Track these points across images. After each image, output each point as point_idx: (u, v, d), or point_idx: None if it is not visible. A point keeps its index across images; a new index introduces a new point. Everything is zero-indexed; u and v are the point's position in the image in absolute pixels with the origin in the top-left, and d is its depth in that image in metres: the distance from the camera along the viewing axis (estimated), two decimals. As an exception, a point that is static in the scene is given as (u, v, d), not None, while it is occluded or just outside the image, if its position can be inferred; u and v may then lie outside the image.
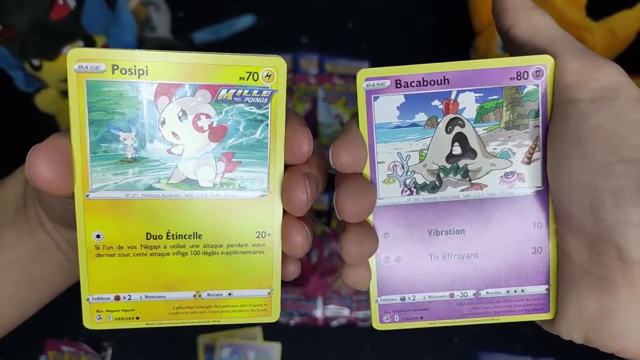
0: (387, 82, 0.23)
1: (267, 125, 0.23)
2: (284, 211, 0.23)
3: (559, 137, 0.23)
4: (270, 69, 0.22)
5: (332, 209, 0.52)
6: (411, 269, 0.25)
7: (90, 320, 0.23)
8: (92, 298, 0.23)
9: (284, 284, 0.49)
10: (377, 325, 0.25)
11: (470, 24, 0.50)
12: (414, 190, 0.24)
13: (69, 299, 0.34)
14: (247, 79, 0.22)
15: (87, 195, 0.22)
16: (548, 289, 0.25)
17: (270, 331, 0.50)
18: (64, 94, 0.48)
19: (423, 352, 0.50)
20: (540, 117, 0.24)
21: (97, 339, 0.49)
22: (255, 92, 0.22)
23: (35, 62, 0.44)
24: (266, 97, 0.22)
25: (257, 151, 0.23)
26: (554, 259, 0.25)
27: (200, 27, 0.54)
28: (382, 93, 0.23)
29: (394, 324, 0.25)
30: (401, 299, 0.25)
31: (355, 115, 0.24)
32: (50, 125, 0.50)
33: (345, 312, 0.49)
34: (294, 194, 0.22)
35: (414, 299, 0.25)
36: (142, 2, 0.51)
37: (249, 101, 0.22)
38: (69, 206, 0.23)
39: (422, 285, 0.25)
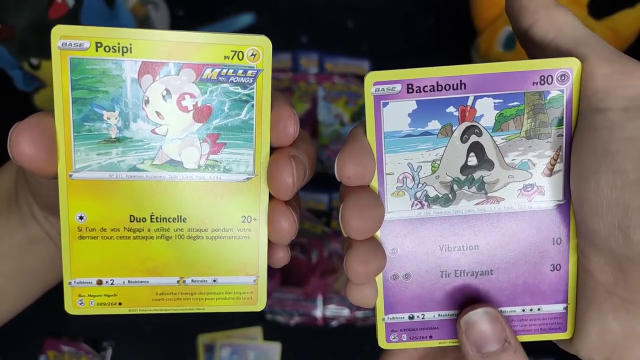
0: (398, 87, 0.21)
1: (252, 105, 0.22)
2: (270, 196, 0.23)
3: (585, 148, 0.21)
4: (255, 48, 0.22)
5: (332, 208, 0.52)
6: (420, 287, 0.23)
7: (72, 305, 0.23)
8: (74, 282, 0.23)
9: (284, 283, 0.49)
10: (383, 344, 0.24)
11: (471, 24, 0.50)
12: (425, 203, 0.23)
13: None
14: (232, 58, 0.22)
15: (71, 175, 0.22)
16: (566, 308, 0.24)
17: (270, 331, 0.50)
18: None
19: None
20: (565, 126, 0.22)
21: (97, 338, 0.49)
22: (240, 71, 0.22)
23: (34, 61, 0.44)
24: (251, 77, 0.22)
25: (243, 132, 0.22)
26: (574, 277, 0.23)
27: (199, 26, 0.54)
28: (392, 99, 0.22)
29: (401, 344, 0.24)
30: (409, 317, 0.24)
31: (362, 123, 0.23)
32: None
33: (345, 312, 0.49)
34: (280, 176, 0.22)
35: (423, 318, 0.24)
36: (140, 0, 0.51)
37: (234, 81, 0.22)
38: (57, 193, 0.22)
39: (432, 303, 0.24)
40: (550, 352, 0.48)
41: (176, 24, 0.54)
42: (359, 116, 0.53)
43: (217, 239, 0.23)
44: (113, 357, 0.48)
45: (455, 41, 0.53)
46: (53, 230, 0.29)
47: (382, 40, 0.54)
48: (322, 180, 0.52)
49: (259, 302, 0.24)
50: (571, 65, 0.21)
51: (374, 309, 0.24)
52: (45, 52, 0.44)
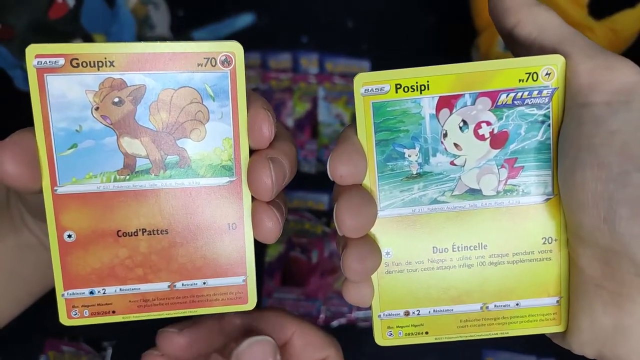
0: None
1: (548, 125, 0.23)
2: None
3: (571, 143, 0.21)
4: (550, 67, 0.22)
5: (332, 209, 0.52)
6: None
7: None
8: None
9: (284, 283, 0.49)
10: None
11: (471, 24, 0.50)
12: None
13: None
14: (527, 80, 0.22)
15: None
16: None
17: (271, 331, 0.50)
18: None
19: (425, 351, 0.50)
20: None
21: (98, 339, 0.49)
22: (535, 92, 0.22)
23: (34, 62, 0.44)
24: (546, 96, 0.22)
25: (540, 154, 0.23)
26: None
27: (199, 26, 0.54)
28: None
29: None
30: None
31: (352, 123, 0.23)
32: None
33: (346, 312, 0.49)
34: (259, 178, 0.22)
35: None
36: (141, 0, 0.51)
37: (530, 103, 0.23)
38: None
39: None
40: (552, 351, 0.49)
41: (176, 24, 0.54)
42: (359, 116, 0.53)
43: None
44: (113, 357, 0.48)
45: (455, 41, 0.53)
46: (44, 236, 0.29)
47: (382, 40, 0.54)
48: (322, 180, 0.52)
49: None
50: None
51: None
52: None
